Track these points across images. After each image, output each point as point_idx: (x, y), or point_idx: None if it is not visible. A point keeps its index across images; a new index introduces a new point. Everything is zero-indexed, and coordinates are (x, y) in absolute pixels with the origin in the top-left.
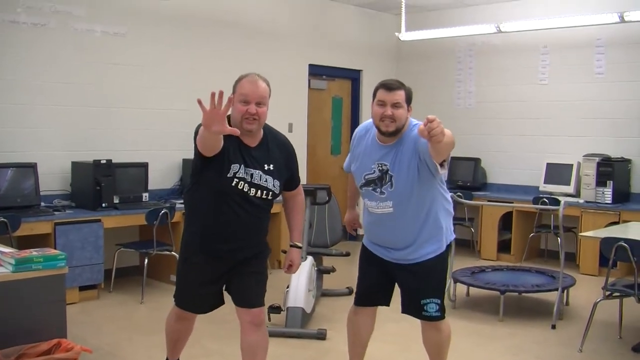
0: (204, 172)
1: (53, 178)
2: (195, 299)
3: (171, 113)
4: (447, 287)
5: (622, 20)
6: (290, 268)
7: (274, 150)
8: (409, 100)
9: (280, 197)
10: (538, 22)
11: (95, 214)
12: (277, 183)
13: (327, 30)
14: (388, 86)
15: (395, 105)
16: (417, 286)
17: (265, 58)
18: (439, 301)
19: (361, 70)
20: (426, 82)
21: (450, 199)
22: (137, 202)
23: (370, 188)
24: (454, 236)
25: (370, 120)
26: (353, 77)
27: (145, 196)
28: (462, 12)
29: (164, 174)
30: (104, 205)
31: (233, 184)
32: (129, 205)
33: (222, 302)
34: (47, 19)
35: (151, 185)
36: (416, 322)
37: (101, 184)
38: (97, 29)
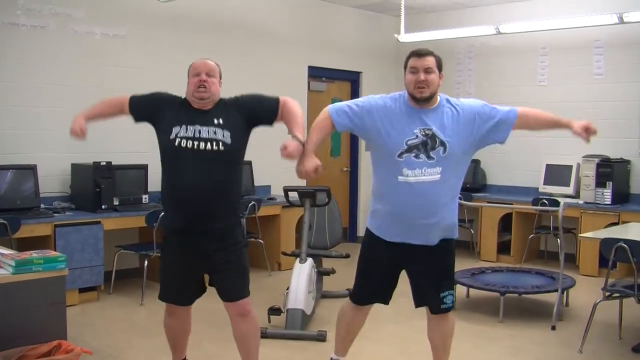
0: (158, 139)
1: (53, 180)
2: (173, 288)
3: None
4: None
5: (621, 21)
6: (285, 149)
7: (228, 109)
8: (439, 66)
9: (281, 198)
10: (537, 24)
11: (95, 216)
12: (227, 133)
13: (327, 32)
14: (418, 53)
15: (427, 71)
16: (437, 277)
17: (265, 60)
18: (452, 292)
19: (360, 72)
20: None
21: None
22: (137, 204)
23: (413, 154)
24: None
25: (391, 94)
26: (352, 78)
27: (145, 198)
28: (461, 13)
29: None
30: (103, 207)
31: (176, 144)
32: (128, 207)
33: (202, 291)
34: (46, 21)
35: (151, 187)
36: (415, 324)
37: (101, 185)
38: (97, 31)
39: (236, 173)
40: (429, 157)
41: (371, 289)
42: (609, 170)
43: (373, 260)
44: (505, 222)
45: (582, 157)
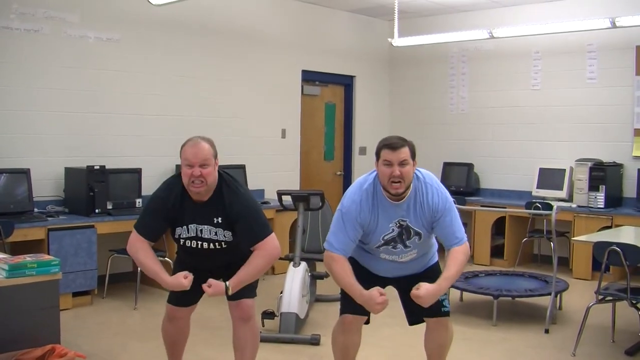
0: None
1: (46, 184)
2: (184, 293)
3: (165, 119)
4: None
5: (614, 26)
6: (208, 289)
7: (227, 203)
8: (413, 155)
9: (274, 202)
10: (530, 28)
11: (89, 220)
12: (227, 233)
13: (320, 36)
14: (392, 145)
15: (402, 164)
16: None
17: (259, 64)
18: (448, 297)
19: (354, 76)
20: (419, 88)
21: None
22: (131, 208)
23: (390, 246)
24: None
25: (359, 184)
26: (346, 83)
27: (139, 202)
28: (454, 17)
29: (157, 180)
30: (97, 211)
31: (181, 244)
32: (122, 211)
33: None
34: (40, 24)
35: (144, 191)
36: (410, 328)
37: (94, 189)
38: (91, 35)
39: (238, 250)
40: (405, 246)
41: (355, 302)
42: (602, 174)
43: (361, 272)
44: (499, 226)
45: (575, 161)
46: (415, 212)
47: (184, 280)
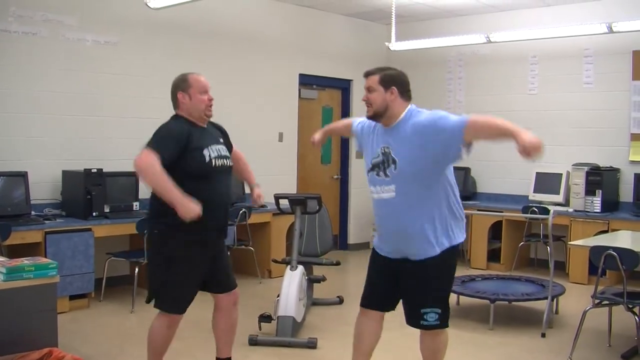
0: (186, 162)
1: (44, 187)
2: (189, 298)
3: (162, 122)
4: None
5: (611, 31)
6: (259, 198)
7: (215, 124)
8: (386, 82)
9: (271, 206)
10: (527, 32)
11: (86, 223)
12: (227, 149)
13: (318, 40)
14: (365, 73)
15: (369, 89)
16: (418, 293)
17: (256, 67)
18: (439, 310)
19: (351, 80)
20: (416, 92)
21: (460, 203)
22: (128, 212)
23: (375, 172)
24: (460, 240)
25: None
26: (343, 86)
27: (136, 205)
28: (451, 22)
29: None
30: (94, 214)
31: (213, 165)
32: (119, 214)
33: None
34: (38, 27)
35: (142, 195)
36: (408, 330)
37: (92, 193)
38: (88, 38)
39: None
40: (385, 174)
41: (373, 287)
42: (599, 179)
43: (377, 260)
44: (495, 230)
45: (572, 165)
46: (400, 136)
47: (194, 205)
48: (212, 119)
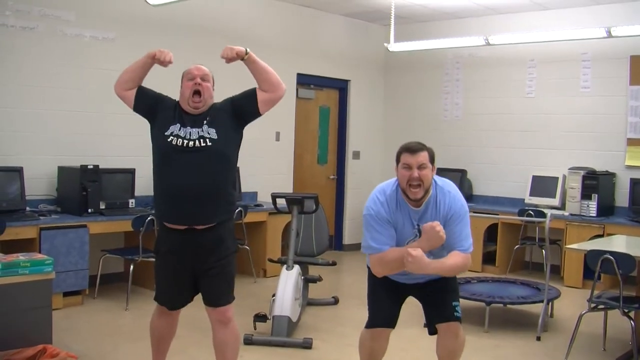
0: (152, 138)
1: (39, 182)
2: (168, 291)
3: None
4: None
5: (609, 35)
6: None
7: (218, 111)
8: (432, 159)
9: (268, 205)
10: (526, 36)
11: (81, 220)
12: (212, 130)
13: (316, 39)
14: (411, 149)
15: (421, 167)
16: (448, 289)
17: None
18: (459, 304)
19: (349, 81)
20: (414, 93)
21: None
22: (124, 209)
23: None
24: None
25: (382, 189)
26: (341, 87)
27: (132, 202)
28: (450, 24)
29: (150, 180)
30: (90, 210)
31: (169, 140)
32: (115, 211)
33: (195, 293)
34: (35, 22)
35: (138, 192)
36: (407, 331)
37: (87, 189)
38: (86, 33)
39: (225, 172)
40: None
41: (389, 306)
42: (595, 183)
43: (385, 288)
44: (491, 233)
45: (568, 169)
46: (430, 218)
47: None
48: None
